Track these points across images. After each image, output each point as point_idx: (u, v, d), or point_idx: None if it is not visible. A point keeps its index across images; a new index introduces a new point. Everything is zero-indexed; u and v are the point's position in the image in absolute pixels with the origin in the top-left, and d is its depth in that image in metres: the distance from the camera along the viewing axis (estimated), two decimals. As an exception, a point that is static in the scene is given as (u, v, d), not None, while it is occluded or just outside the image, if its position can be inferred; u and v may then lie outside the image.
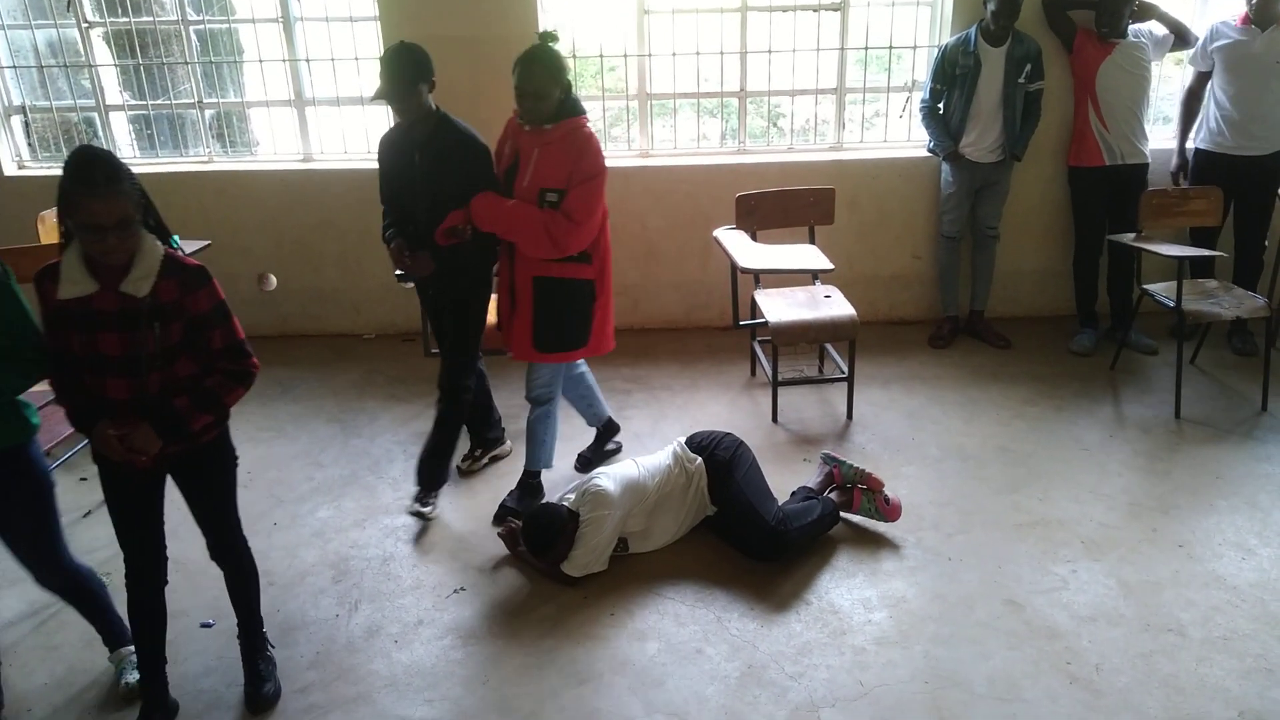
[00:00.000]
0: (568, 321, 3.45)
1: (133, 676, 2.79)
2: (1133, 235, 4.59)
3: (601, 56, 5.26)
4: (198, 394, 2.43)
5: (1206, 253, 4.60)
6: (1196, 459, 3.96)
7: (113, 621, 2.86)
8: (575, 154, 3.26)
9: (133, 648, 2.75)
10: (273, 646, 2.91)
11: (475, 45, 4.93)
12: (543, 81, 3.18)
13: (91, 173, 2.17)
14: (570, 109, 3.29)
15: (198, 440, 2.50)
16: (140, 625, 2.66)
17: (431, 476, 3.69)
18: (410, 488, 3.88)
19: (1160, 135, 5.25)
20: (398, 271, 3.55)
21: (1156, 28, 4.90)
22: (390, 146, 3.48)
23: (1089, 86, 4.84)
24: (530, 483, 3.70)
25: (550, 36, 3.27)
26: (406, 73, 3.24)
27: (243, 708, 2.76)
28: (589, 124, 3.35)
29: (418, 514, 3.64)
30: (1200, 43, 4.85)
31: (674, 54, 5.22)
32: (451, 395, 3.63)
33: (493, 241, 3.39)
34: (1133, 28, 4.79)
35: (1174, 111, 5.25)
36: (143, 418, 2.36)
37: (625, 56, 5.24)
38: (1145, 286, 4.57)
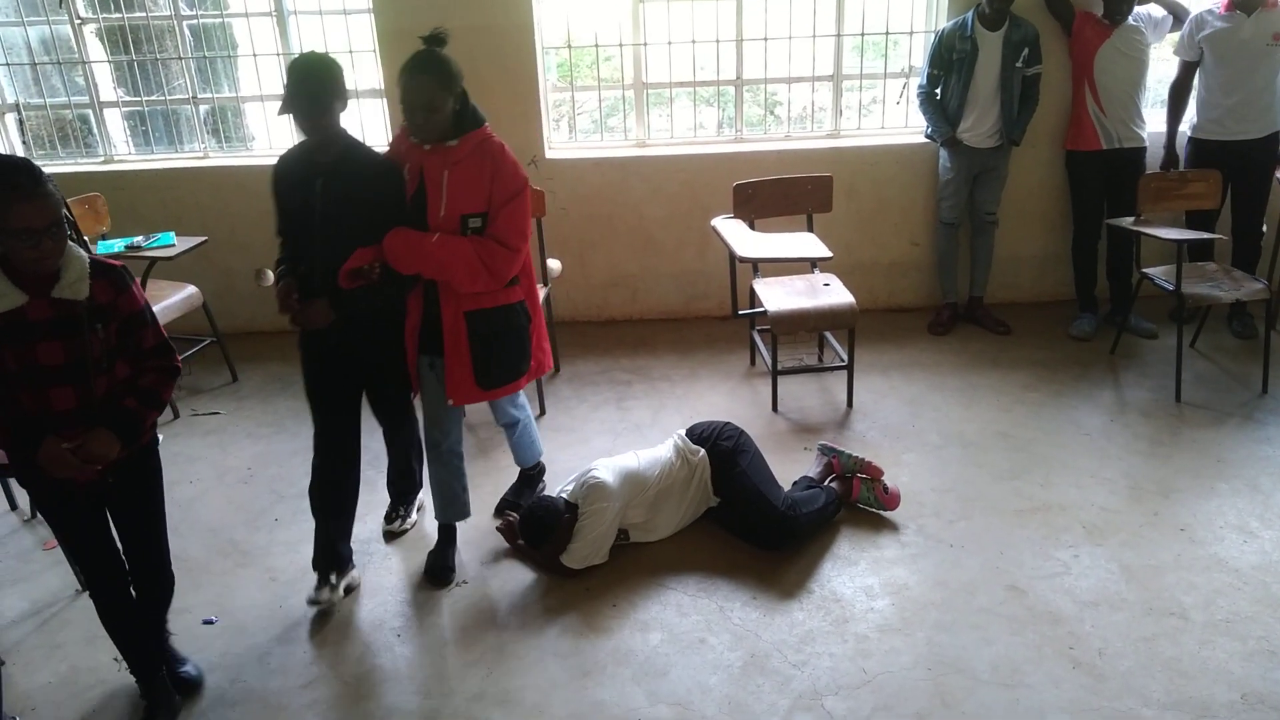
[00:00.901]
0: (510, 351, 3.10)
1: None
2: (1131, 219, 4.58)
3: (597, 46, 5.24)
4: (140, 394, 2.41)
5: (1206, 236, 4.59)
6: (1197, 442, 3.96)
7: None
8: (490, 170, 2.90)
9: None
10: (173, 634, 2.89)
11: (471, 35, 4.90)
12: (433, 92, 2.80)
13: (17, 177, 2.12)
14: (470, 120, 2.92)
15: (139, 443, 2.47)
16: (119, 631, 2.64)
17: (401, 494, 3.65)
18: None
19: (1157, 118, 5.23)
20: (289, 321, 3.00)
21: (1154, 9, 4.88)
22: (289, 171, 2.98)
23: (1087, 70, 4.82)
24: (529, 474, 3.69)
25: (437, 40, 2.89)
26: (324, 88, 2.81)
27: (248, 703, 2.77)
28: (494, 133, 2.99)
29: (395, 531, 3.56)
30: (1185, 33, 4.83)
31: (669, 42, 5.20)
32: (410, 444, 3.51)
33: (409, 282, 2.99)
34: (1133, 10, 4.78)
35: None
36: (91, 426, 2.32)
37: (621, 46, 5.22)
38: (1144, 270, 4.56)
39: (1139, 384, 4.52)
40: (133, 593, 2.62)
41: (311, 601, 3.09)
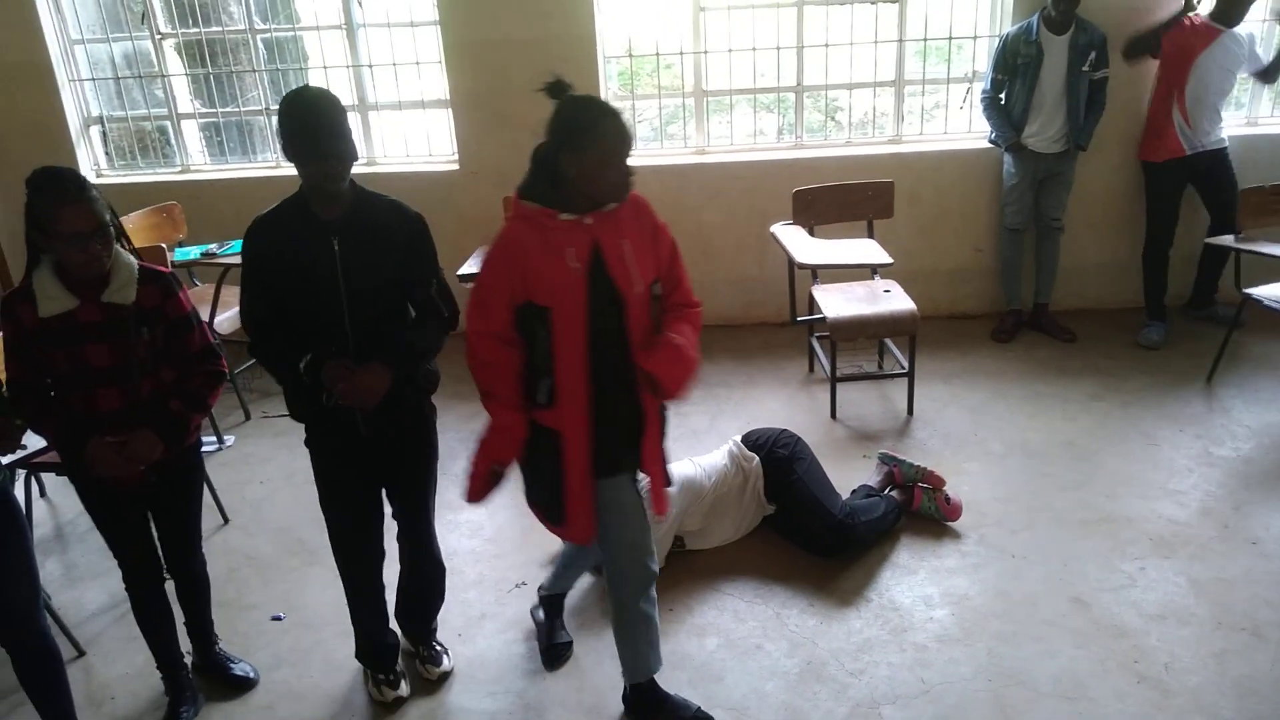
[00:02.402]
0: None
1: None
2: (1232, 237, 4.42)
3: (658, 54, 5.28)
4: (186, 397, 2.49)
5: None
6: (1270, 455, 3.85)
7: (70, 715, 2.56)
8: (649, 224, 2.43)
9: None
10: (219, 639, 2.97)
11: (533, 47, 4.99)
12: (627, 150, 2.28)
13: (63, 183, 2.24)
14: None
15: (183, 445, 2.54)
16: (148, 624, 2.74)
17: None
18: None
19: (1233, 120, 5.10)
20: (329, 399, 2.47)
21: (1258, 45, 4.79)
22: (281, 239, 2.43)
23: (1180, 76, 4.70)
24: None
25: (560, 88, 2.37)
26: (342, 116, 2.38)
27: (314, 697, 2.85)
28: None
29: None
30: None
31: (730, 50, 5.21)
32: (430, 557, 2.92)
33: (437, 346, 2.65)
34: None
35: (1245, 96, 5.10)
36: (136, 426, 2.41)
37: (681, 54, 5.25)
38: (1248, 291, 4.33)
39: (1211, 394, 4.40)
40: (169, 590, 2.74)
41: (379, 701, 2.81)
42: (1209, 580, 3.11)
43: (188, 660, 2.88)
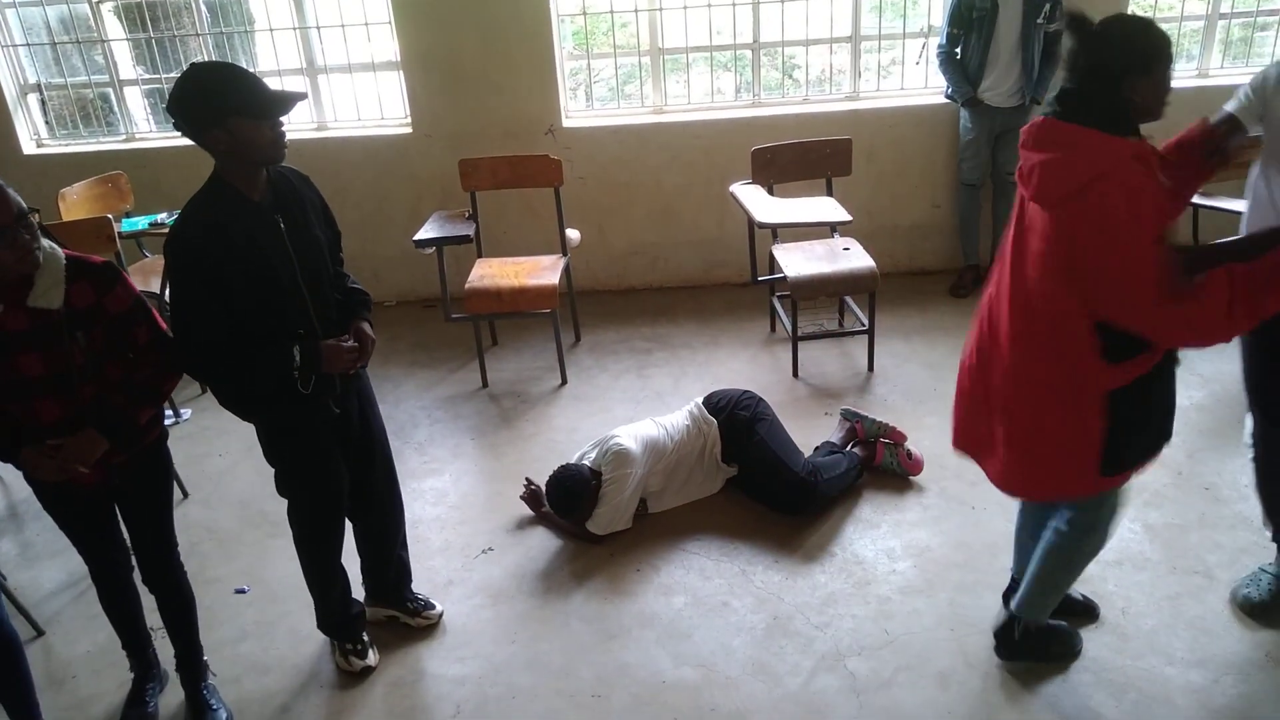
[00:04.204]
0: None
1: None
2: None
3: (612, 12, 5.20)
4: (132, 390, 2.30)
5: None
6: (1221, 402, 3.93)
7: (34, 705, 2.47)
8: None
9: None
10: (214, 674, 2.78)
11: (485, 6, 4.89)
12: None
13: None
14: None
15: (143, 443, 2.39)
16: (116, 610, 2.65)
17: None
18: (436, 451, 3.93)
19: (1184, 72, 5.13)
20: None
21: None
22: (226, 239, 2.24)
23: None
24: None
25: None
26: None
27: (281, 670, 2.83)
28: None
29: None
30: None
31: (685, 7, 5.15)
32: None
33: None
34: None
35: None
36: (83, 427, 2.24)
37: (636, 11, 5.18)
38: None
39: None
40: (138, 584, 2.63)
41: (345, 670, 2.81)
42: (1163, 526, 3.18)
43: (155, 633, 2.83)
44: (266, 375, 2.36)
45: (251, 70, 2.23)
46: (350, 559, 2.85)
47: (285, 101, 2.23)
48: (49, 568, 3.36)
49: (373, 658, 2.82)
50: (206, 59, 5.32)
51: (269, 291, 2.31)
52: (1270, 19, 5.32)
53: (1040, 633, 2.60)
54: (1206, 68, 5.34)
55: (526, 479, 3.53)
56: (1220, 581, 2.90)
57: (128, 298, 2.29)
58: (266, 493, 3.64)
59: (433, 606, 2.98)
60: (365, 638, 2.86)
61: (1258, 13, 5.28)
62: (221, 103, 2.15)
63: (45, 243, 2.18)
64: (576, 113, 5.39)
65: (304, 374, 2.35)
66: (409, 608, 2.96)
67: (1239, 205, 3.98)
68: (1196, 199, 4.27)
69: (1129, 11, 5.04)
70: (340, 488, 2.66)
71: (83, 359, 2.22)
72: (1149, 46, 2.05)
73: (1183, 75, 5.30)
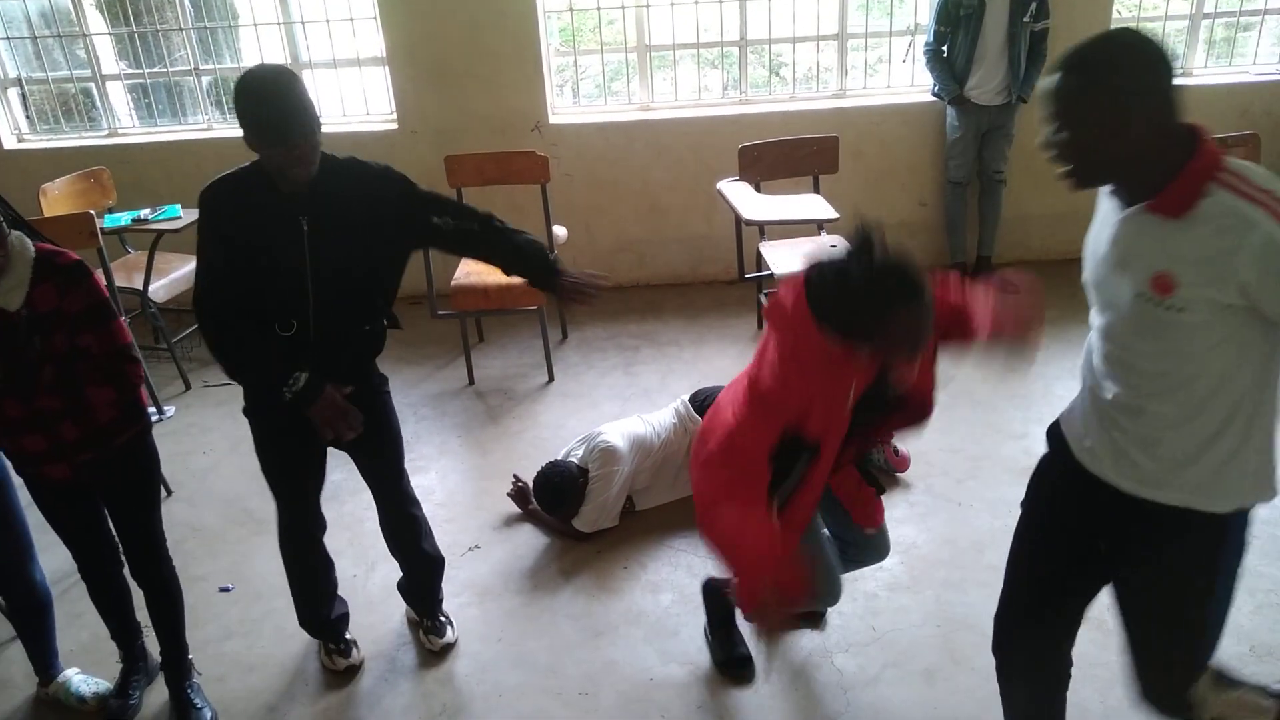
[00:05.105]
0: None
1: (92, 687, 2.71)
2: None
3: (599, 9, 5.19)
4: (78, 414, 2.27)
5: None
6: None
7: (54, 649, 2.72)
8: None
9: (67, 672, 2.73)
10: (199, 674, 2.75)
11: (471, 1, 4.87)
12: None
13: None
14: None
15: (114, 443, 2.35)
16: (105, 606, 2.65)
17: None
18: (422, 448, 3.91)
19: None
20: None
21: None
22: (245, 211, 2.23)
23: None
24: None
25: None
26: (306, 93, 2.17)
27: (266, 668, 2.81)
28: None
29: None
30: None
31: (672, 4, 5.14)
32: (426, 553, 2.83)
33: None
34: None
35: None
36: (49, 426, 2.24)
37: (623, 8, 5.17)
38: None
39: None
40: (129, 580, 2.62)
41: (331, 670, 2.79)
42: (1148, 522, 3.19)
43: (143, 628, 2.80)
44: (256, 377, 2.34)
45: (282, 90, 2.13)
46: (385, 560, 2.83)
47: (288, 133, 2.12)
48: (30, 566, 3.32)
49: (356, 656, 2.80)
50: (190, 53, 5.28)
51: (266, 281, 2.26)
52: (1253, 19, 5.36)
53: None
54: (1190, 68, 5.37)
55: (515, 476, 3.52)
56: (1204, 577, 2.92)
57: (84, 301, 2.21)
58: (250, 490, 3.64)
59: (442, 634, 2.84)
60: (349, 637, 2.83)
61: (1240, 13, 5.32)
62: (242, 123, 2.15)
63: (14, 235, 2.14)
64: (563, 109, 5.37)
65: (295, 397, 2.27)
66: (425, 624, 2.88)
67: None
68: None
69: (1114, 13, 5.07)
70: (305, 489, 2.61)
71: (37, 360, 2.17)
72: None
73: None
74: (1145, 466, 1.74)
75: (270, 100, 2.11)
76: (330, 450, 2.55)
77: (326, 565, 2.78)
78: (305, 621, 2.81)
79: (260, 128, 2.12)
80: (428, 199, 2.43)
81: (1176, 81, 1.55)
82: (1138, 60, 1.53)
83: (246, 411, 2.52)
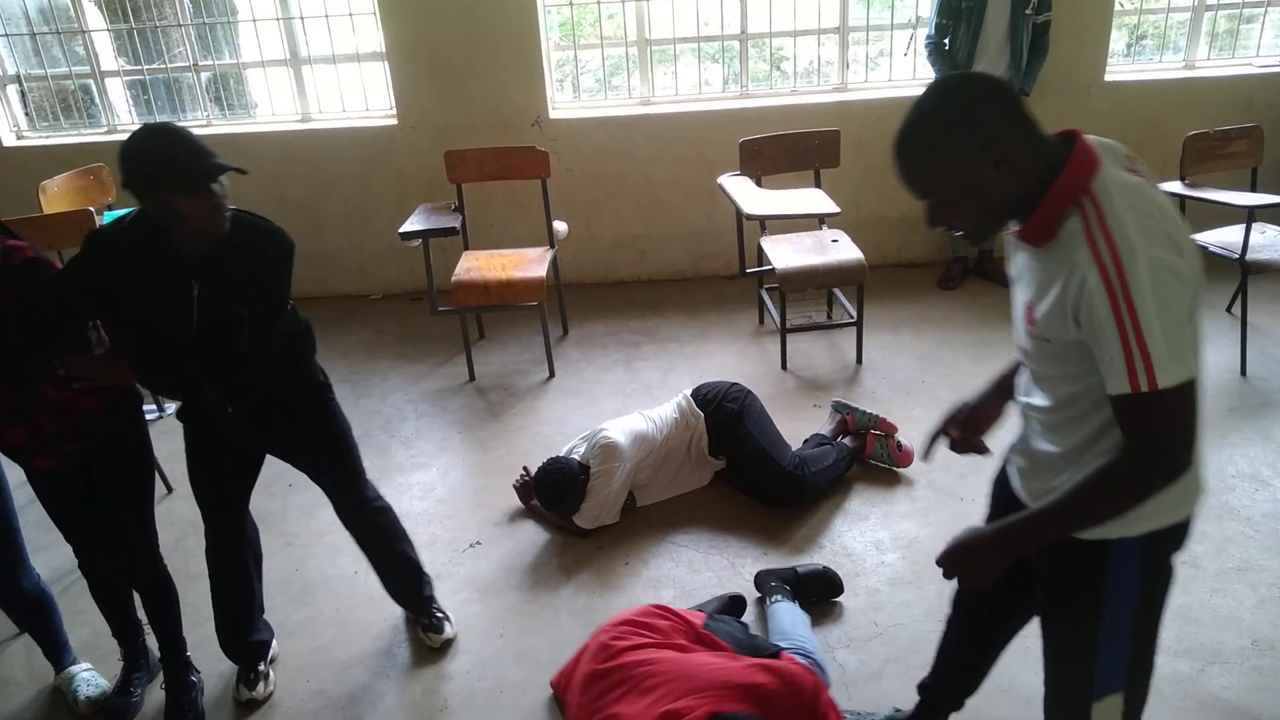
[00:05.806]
0: None
1: (89, 690, 2.69)
2: (1180, 183, 4.27)
3: (599, 3, 5.17)
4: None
5: (1276, 200, 4.03)
6: (1208, 392, 3.94)
7: (63, 642, 2.77)
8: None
9: (73, 668, 2.74)
10: (198, 672, 2.74)
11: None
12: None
13: None
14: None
15: (97, 434, 2.37)
16: (105, 601, 2.67)
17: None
18: (423, 445, 3.91)
19: (1171, 63, 5.15)
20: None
21: None
22: (125, 265, 2.15)
23: None
24: None
25: None
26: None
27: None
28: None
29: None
30: None
31: (673, -2, 5.13)
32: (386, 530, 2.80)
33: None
34: None
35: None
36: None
37: (623, 2, 5.15)
38: (1193, 237, 4.29)
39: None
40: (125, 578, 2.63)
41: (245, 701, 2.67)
42: (1150, 516, 3.18)
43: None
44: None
45: (190, 135, 2.07)
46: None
47: (213, 172, 2.05)
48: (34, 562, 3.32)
49: (262, 690, 2.65)
50: (189, 49, 5.27)
51: (133, 338, 2.25)
52: (1256, 10, 5.34)
53: None
54: (1193, 59, 5.35)
55: (524, 468, 3.51)
56: (1206, 571, 2.91)
57: (24, 295, 2.16)
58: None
59: (440, 631, 2.83)
60: (260, 667, 2.70)
61: (1243, 4, 5.30)
62: (154, 170, 2.01)
63: None
64: (563, 104, 5.36)
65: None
66: (422, 622, 2.86)
67: (1228, 197, 4.00)
68: (1181, 190, 4.24)
69: (1116, 4, 5.05)
70: (226, 499, 2.57)
71: None
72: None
73: (1170, 68, 5.33)
74: (1032, 485, 1.77)
75: (181, 142, 2.03)
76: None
77: (245, 585, 2.68)
78: (220, 641, 2.71)
79: (179, 171, 2.00)
80: (277, 287, 2.31)
81: (1016, 109, 1.47)
82: (958, 115, 1.47)
83: (180, 416, 2.50)
